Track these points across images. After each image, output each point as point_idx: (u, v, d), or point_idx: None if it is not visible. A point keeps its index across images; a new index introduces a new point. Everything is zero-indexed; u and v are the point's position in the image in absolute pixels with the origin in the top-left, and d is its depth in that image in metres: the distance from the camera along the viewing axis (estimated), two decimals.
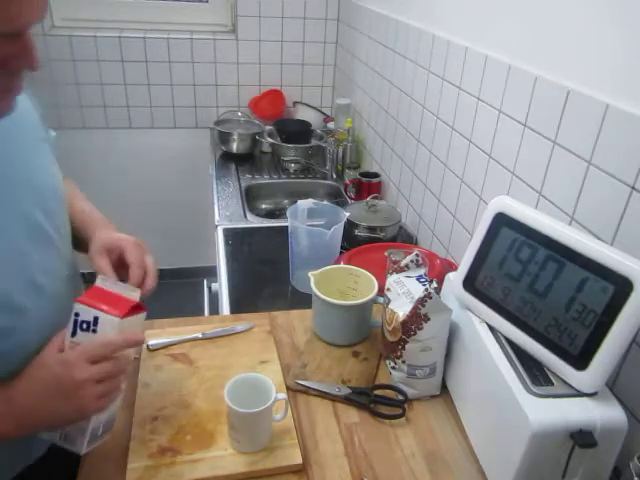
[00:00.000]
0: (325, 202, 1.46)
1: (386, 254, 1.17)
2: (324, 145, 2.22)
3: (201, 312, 1.74)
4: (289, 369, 1.02)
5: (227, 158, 2.33)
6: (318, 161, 2.26)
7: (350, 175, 2.12)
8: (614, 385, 0.84)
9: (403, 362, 0.95)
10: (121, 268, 0.83)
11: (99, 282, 0.75)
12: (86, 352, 0.67)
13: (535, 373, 0.78)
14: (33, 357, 0.70)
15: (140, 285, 0.81)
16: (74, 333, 0.70)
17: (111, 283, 0.75)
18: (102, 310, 0.70)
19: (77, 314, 0.70)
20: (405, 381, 0.96)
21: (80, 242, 0.88)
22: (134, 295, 0.75)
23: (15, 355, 0.70)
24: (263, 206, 2.12)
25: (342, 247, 1.40)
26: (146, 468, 0.79)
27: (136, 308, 0.74)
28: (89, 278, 0.82)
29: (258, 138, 2.32)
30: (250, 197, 2.02)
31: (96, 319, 0.70)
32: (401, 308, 0.94)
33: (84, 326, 0.70)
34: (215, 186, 2.03)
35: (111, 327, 0.71)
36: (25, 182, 0.73)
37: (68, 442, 0.72)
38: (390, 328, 0.95)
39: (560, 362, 0.76)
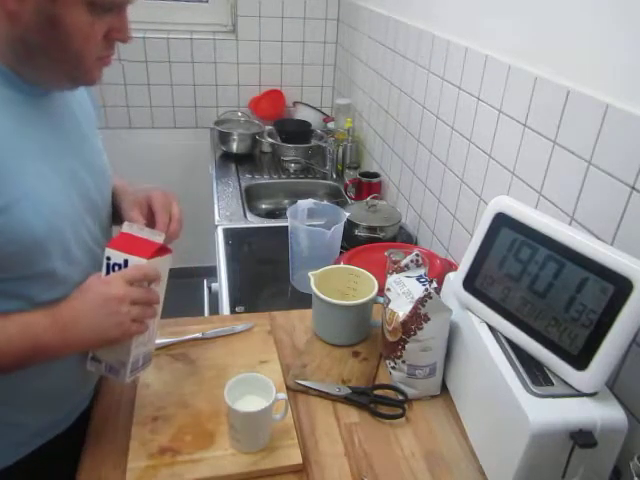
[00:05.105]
0: (325, 202, 1.46)
1: (386, 254, 1.17)
2: (324, 145, 2.22)
3: (201, 312, 1.73)
4: (289, 369, 1.02)
5: (227, 158, 2.32)
6: (318, 161, 2.26)
7: (350, 175, 2.12)
8: (614, 385, 0.84)
9: (403, 362, 0.95)
10: (152, 219, 0.91)
11: (125, 228, 0.81)
12: (123, 274, 0.76)
13: (535, 373, 0.78)
14: None
15: (165, 230, 0.88)
16: (107, 275, 0.77)
17: (137, 229, 0.81)
18: (131, 253, 0.77)
19: (109, 258, 0.77)
20: (405, 381, 0.96)
21: (116, 211, 0.95)
22: (159, 239, 0.80)
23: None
24: (263, 206, 2.12)
25: (342, 247, 1.40)
26: (146, 468, 0.79)
27: (161, 250, 0.80)
28: None
29: (258, 138, 2.32)
30: (250, 197, 2.02)
31: (126, 261, 0.77)
32: (401, 308, 0.94)
33: (116, 268, 0.77)
34: (215, 186, 2.03)
35: None
36: (86, 162, 0.84)
37: (113, 372, 0.80)
38: (390, 328, 0.95)
39: (560, 362, 0.76)
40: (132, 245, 0.78)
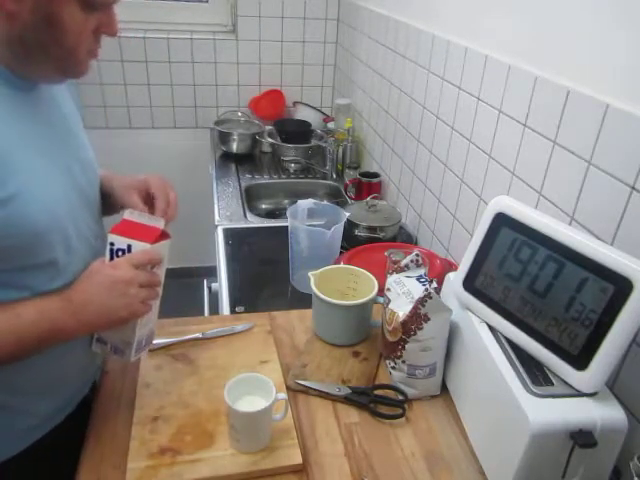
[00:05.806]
0: (325, 202, 1.46)
1: (386, 254, 1.17)
2: (324, 145, 2.22)
3: (201, 312, 1.73)
4: (289, 369, 1.02)
5: (227, 158, 2.32)
6: (318, 161, 2.26)
7: (350, 175, 2.12)
8: (614, 385, 0.84)
9: (403, 362, 0.95)
10: (148, 203, 0.93)
11: (127, 215, 0.83)
12: (130, 258, 0.79)
13: (535, 373, 0.78)
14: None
15: (164, 215, 0.90)
16: (111, 260, 0.80)
17: (138, 215, 0.83)
18: (134, 238, 0.79)
19: (112, 243, 0.79)
20: (405, 381, 0.96)
21: (105, 199, 0.95)
22: (159, 224, 0.82)
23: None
24: (263, 206, 2.12)
25: (342, 247, 1.40)
26: (146, 468, 0.79)
27: (162, 236, 0.82)
28: None
29: (258, 138, 2.32)
30: (250, 197, 2.02)
31: (129, 246, 0.79)
32: (401, 308, 0.94)
33: (119, 253, 0.79)
34: (215, 186, 2.03)
35: None
36: (76, 156, 0.86)
37: (118, 353, 0.84)
38: (390, 328, 0.95)
39: (560, 362, 0.76)
40: (134, 231, 0.80)
